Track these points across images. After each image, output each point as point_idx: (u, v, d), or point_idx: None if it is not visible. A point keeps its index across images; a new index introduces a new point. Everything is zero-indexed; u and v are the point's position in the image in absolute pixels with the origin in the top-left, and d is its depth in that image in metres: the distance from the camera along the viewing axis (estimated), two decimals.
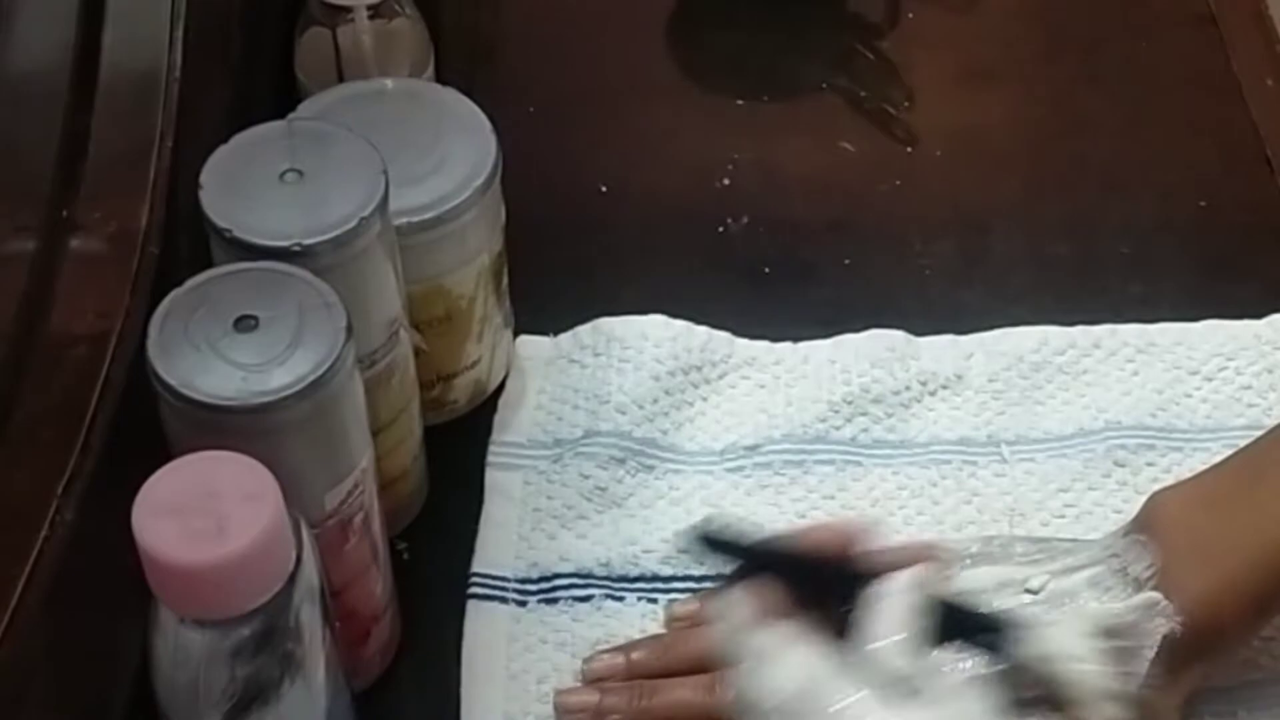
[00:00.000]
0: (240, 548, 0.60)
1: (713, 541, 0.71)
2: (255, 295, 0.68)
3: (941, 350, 0.90)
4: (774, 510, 0.84)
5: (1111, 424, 0.86)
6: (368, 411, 0.72)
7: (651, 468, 0.85)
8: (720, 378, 0.89)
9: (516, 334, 0.89)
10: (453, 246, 0.81)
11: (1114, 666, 0.70)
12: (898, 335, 0.90)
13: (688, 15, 1.09)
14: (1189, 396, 0.88)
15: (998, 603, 0.73)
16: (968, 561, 0.75)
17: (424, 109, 0.82)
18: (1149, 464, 0.85)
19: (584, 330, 0.90)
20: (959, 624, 0.69)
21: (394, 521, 0.80)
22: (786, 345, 0.90)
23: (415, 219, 0.79)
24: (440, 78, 0.91)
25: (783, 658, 0.65)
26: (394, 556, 0.79)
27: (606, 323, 0.90)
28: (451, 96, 0.83)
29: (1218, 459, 0.78)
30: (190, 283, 0.69)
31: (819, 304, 0.93)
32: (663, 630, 0.80)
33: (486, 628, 0.80)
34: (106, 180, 0.76)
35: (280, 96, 0.90)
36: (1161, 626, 0.70)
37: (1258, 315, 0.91)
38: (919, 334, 0.90)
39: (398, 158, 0.76)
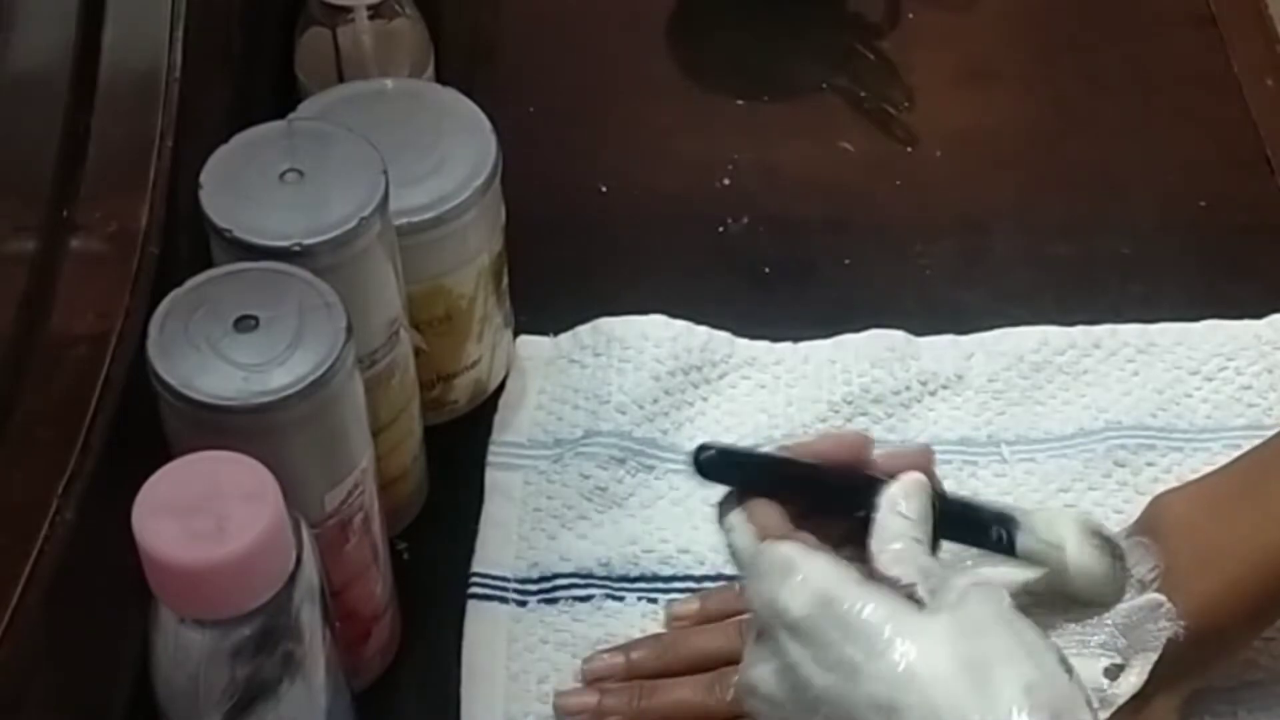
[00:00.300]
0: (240, 548, 0.60)
1: (717, 461, 0.72)
2: (255, 295, 0.68)
3: (942, 350, 0.90)
4: None
5: (1112, 424, 0.86)
6: (368, 411, 0.72)
7: (652, 468, 0.85)
8: (720, 378, 0.89)
9: (516, 334, 0.89)
10: (453, 246, 0.81)
11: (1113, 559, 0.71)
12: (898, 335, 0.90)
13: (688, 15, 1.09)
14: (1189, 396, 0.88)
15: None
16: (969, 563, 0.75)
17: (424, 109, 0.82)
18: (1149, 464, 0.85)
19: (584, 330, 0.90)
20: (965, 521, 0.71)
21: (394, 521, 0.80)
22: (787, 345, 0.90)
23: (415, 219, 0.79)
24: (440, 78, 0.91)
25: (802, 569, 0.65)
26: (394, 556, 0.79)
27: (607, 323, 0.90)
28: (451, 96, 0.83)
29: (1218, 459, 0.78)
30: (190, 283, 0.69)
31: (819, 304, 0.93)
32: (663, 630, 0.80)
33: (487, 628, 0.80)
34: (106, 180, 0.75)
35: (280, 96, 0.90)
36: (1165, 629, 0.70)
37: (1258, 315, 0.91)
38: (919, 334, 0.90)
39: (398, 158, 0.76)
